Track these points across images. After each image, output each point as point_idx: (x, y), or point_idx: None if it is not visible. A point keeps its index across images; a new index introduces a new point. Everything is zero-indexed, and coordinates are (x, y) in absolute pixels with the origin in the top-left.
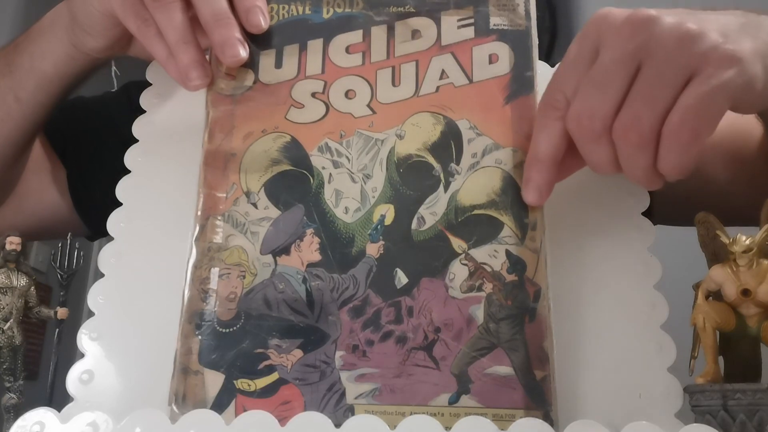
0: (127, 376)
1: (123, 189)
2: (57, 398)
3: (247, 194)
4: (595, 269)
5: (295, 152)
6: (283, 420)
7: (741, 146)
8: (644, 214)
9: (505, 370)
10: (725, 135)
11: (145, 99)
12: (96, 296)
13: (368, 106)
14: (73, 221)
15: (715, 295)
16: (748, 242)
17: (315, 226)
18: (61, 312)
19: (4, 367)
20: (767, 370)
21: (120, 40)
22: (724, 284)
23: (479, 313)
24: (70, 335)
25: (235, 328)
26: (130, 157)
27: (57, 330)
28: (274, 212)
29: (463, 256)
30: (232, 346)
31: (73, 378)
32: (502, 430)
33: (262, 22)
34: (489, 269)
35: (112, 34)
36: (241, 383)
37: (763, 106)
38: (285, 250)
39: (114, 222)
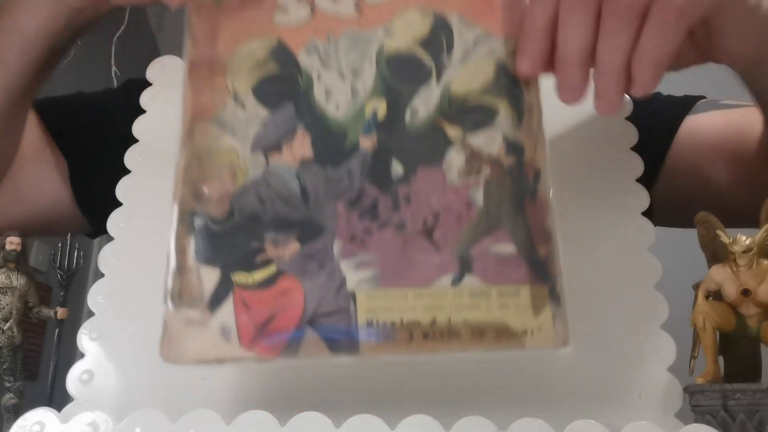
0: (127, 376)
1: (123, 189)
2: (57, 398)
3: (235, 96)
4: (595, 269)
5: (282, 54)
6: (284, 310)
7: (741, 146)
8: (644, 215)
9: (507, 248)
10: (725, 135)
11: (145, 99)
12: (96, 296)
13: (355, 6)
14: (75, 215)
15: (715, 295)
16: (748, 242)
17: (306, 123)
18: (61, 312)
19: (4, 367)
20: (767, 370)
21: None
22: (724, 284)
23: (479, 196)
24: (70, 335)
25: (229, 225)
26: (130, 157)
27: (57, 330)
28: (264, 112)
29: (459, 143)
30: (227, 241)
31: (73, 378)
32: (507, 306)
33: None
34: (486, 154)
35: None
36: (239, 276)
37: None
38: (276, 148)
39: (114, 222)
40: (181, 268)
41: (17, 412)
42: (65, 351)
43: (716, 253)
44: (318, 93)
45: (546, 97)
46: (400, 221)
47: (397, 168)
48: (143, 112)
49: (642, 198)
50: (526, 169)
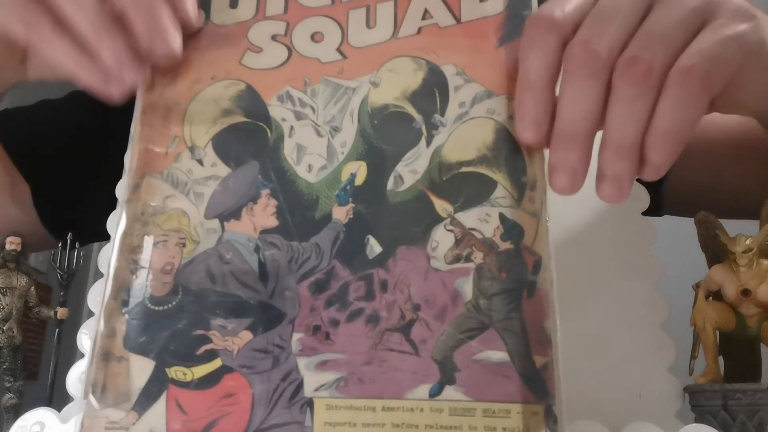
0: None
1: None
2: (57, 398)
3: (192, 149)
4: (595, 269)
5: (251, 102)
6: (227, 417)
7: (754, 140)
8: (652, 207)
9: (498, 355)
10: (739, 127)
11: None
12: (96, 296)
13: (338, 50)
14: (44, 236)
15: (715, 295)
16: (748, 242)
17: (272, 186)
18: (61, 312)
19: (4, 367)
20: (767, 370)
21: (12, 64)
22: (724, 284)
23: (467, 287)
24: (70, 335)
25: (170, 305)
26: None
27: (57, 330)
28: (224, 170)
29: (448, 220)
30: (166, 326)
31: (73, 378)
32: (494, 429)
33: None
34: (479, 236)
35: (2, 59)
36: (175, 371)
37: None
38: (235, 214)
39: (114, 222)
40: (107, 355)
41: (17, 412)
42: (65, 351)
43: (716, 253)
44: (289, 150)
45: None
46: (374, 312)
47: (374, 246)
48: (117, 110)
49: (642, 198)
50: (524, 256)
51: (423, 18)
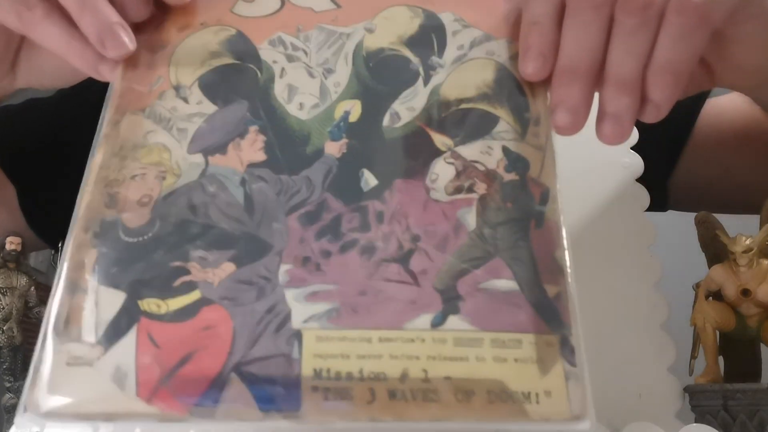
0: None
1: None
2: None
3: (177, 88)
4: (595, 269)
5: (241, 45)
6: (204, 350)
7: (761, 135)
8: (657, 202)
9: (505, 283)
10: (748, 119)
11: None
12: None
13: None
14: (32, 239)
15: (715, 295)
16: (748, 242)
17: (260, 123)
18: None
19: (4, 367)
20: (767, 370)
21: (3, 71)
22: (724, 284)
23: (470, 217)
24: None
25: (145, 236)
26: None
27: None
28: (210, 108)
29: (448, 153)
30: (140, 258)
31: None
32: (504, 360)
33: None
34: (482, 168)
35: None
36: (148, 303)
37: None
38: (220, 149)
39: None
40: (73, 287)
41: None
42: None
43: (716, 253)
44: (279, 90)
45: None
46: (369, 243)
47: (369, 179)
48: (98, 107)
49: (642, 198)
50: (530, 187)
51: None
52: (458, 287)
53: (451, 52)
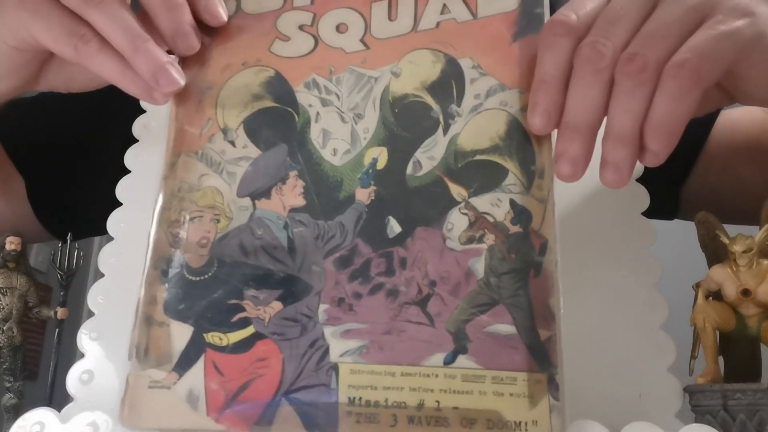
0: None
1: (123, 189)
2: (57, 398)
3: (224, 131)
4: (595, 269)
5: (279, 88)
6: (259, 379)
7: None
8: (668, 209)
9: (506, 328)
10: (758, 134)
11: None
12: (96, 296)
13: (361, 41)
14: (39, 230)
15: (715, 295)
16: (748, 242)
17: (299, 168)
18: (61, 312)
19: (4, 367)
20: (767, 370)
21: (30, 77)
22: (724, 284)
23: (479, 266)
24: (70, 335)
25: (206, 276)
26: (130, 157)
27: (57, 330)
28: (254, 151)
29: (462, 204)
30: (203, 295)
31: (73, 378)
32: (502, 394)
33: (221, 12)
34: (491, 219)
35: (24, 73)
36: (212, 337)
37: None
38: (265, 193)
39: (114, 222)
40: (149, 320)
41: (17, 412)
42: (65, 351)
43: (716, 253)
44: (315, 134)
45: None
46: (393, 287)
47: (394, 226)
48: (113, 108)
49: (642, 198)
50: (532, 239)
51: (441, 13)
52: (467, 330)
53: (468, 101)
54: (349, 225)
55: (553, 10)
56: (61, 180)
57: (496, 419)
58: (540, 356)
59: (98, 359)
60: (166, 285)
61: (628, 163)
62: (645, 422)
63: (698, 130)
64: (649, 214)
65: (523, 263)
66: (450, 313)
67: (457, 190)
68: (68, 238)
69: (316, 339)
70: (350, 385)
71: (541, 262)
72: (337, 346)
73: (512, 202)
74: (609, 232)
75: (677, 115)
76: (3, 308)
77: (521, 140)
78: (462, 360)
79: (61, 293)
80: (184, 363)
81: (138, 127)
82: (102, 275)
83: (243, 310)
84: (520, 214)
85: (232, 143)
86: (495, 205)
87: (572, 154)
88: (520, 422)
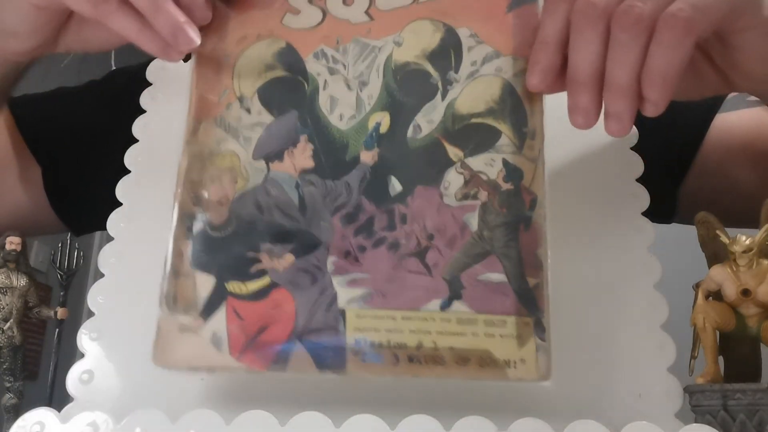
0: (127, 376)
1: (123, 189)
2: (57, 398)
3: (240, 99)
4: (595, 269)
5: (290, 58)
6: (275, 324)
7: None
8: (666, 211)
9: (497, 276)
10: (756, 135)
11: (145, 99)
12: (96, 296)
13: (366, 12)
14: (53, 220)
15: (715, 295)
16: (748, 242)
17: (308, 132)
18: (61, 312)
19: (4, 367)
20: (767, 370)
21: (49, 38)
22: (724, 284)
23: (473, 220)
24: (70, 335)
25: (226, 231)
26: (130, 157)
27: (57, 330)
28: (268, 118)
29: (459, 164)
30: (224, 249)
31: (73, 378)
32: (492, 335)
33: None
34: (485, 177)
35: (44, 33)
36: (233, 286)
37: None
38: (278, 156)
39: (114, 222)
40: (177, 272)
41: (17, 412)
42: (65, 351)
43: (716, 253)
44: (323, 101)
45: (549, 95)
46: (395, 240)
47: (395, 185)
48: (125, 105)
49: (642, 198)
50: (523, 195)
51: None
52: (461, 278)
53: (465, 68)
54: (354, 184)
55: None
56: (76, 170)
57: (488, 358)
58: (528, 301)
59: (98, 359)
60: (191, 240)
61: (628, 113)
62: (645, 422)
63: (694, 131)
64: (647, 216)
65: (514, 217)
66: (446, 263)
67: (453, 152)
68: (68, 237)
69: (325, 288)
70: (356, 328)
71: (530, 216)
72: (344, 294)
73: (505, 162)
74: (609, 232)
75: (672, 64)
76: (3, 308)
77: (514, 104)
78: (457, 305)
79: (61, 293)
80: (209, 309)
81: (138, 127)
82: (102, 275)
83: (260, 261)
84: (512, 172)
85: (248, 110)
86: (489, 164)
87: (582, 105)
88: (509, 360)
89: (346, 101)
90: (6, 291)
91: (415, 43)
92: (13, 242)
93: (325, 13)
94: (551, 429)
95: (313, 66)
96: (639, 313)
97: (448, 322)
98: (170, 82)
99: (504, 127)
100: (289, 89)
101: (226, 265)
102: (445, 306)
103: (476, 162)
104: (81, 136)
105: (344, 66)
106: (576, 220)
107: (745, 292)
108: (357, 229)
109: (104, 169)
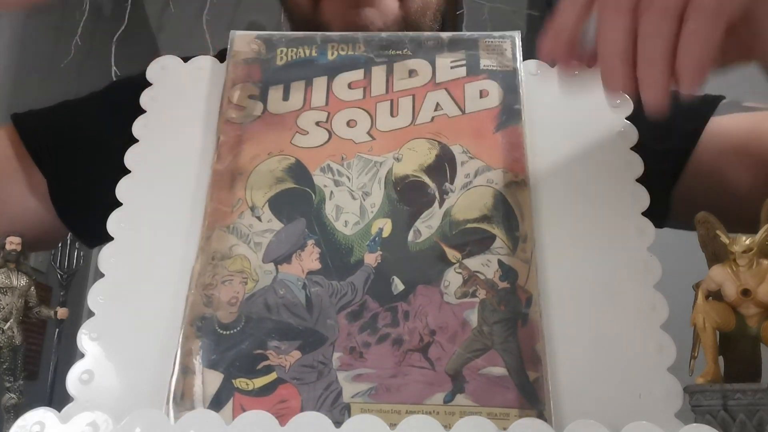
0: (127, 376)
1: (123, 189)
2: (57, 398)
3: (252, 208)
4: (595, 269)
5: (299, 172)
6: (281, 418)
7: (763, 150)
8: (660, 212)
9: (498, 370)
10: (748, 138)
11: (145, 99)
12: (96, 296)
13: (368, 133)
14: (61, 229)
15: (715, 295)
16: (748, 242)
17: (316, 238)
18: (61, 312)
19: (4, 367)
20: (767, 370)
21: None
22: (724, 284)
23: (473, 317)
24: (70, 335)
25: (235, 330)
26: (130, 157)
27: (57, 330)
28: (277, 225)
29: (457, 265)
30: (232, 347)
31: (73, 378)
32: (499, 429)
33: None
34: (482, 277)
35: None
36: (240, 382)
37: None
38: (286, 259)
39: (114, 222)
40: (185, 370)
41: (17, 412)
42: (65, 351)
43: (716, 253)
44: (329, 210)
45: (550, 94)
46: (398, 336)
47: (398, 285)
48: (127, 113)
49: (642, 198)
50: (518, 294)
51: (435, 110)
52: (464, 372)
53: (460, 180)
54: (358, 284)
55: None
56: (82, 180)
57: None
58: (529, 395)
59: (98, 359)
60: (201, 339)
61: (663, 84)
62: (645, 422)
63: (689, 134)
64: None
65: (511, 314)
66: (448, 358)
67: (452, 253)
68: (68, 238)
69: (331, 383)
70: None
71: (527, 313)
72: (349, 389)
73: (500, 262)
74: (609, 232)
75: (705, 44)
76: (3, 308)
77: (506, 211)
78: (460, 398)
79: (61, 293)
80: (216, 405)
81: (138, 127)
82: (102, 275)
83: (267, 358)
84: (508, 272)
85: (259, 218)
86: (485, 265)
87: (611, 75)
88: None
89: (351, 209)
90: (6, 291)
91: (414, 158)
92: (13, 242)
93: (330, 134)
94: (551, 429)
95: (320, 179)
96: (639, 313)
97: (452, 415)
98: (170, 82)
99: (498, 232)
100: (298, 199)
101: (234, 362)
102: (449, 400)
103: (473, 263)
104: (85, 146)
105: (348, 178)
106: (576, 220)
107: (745, 292)
108: (362, 326)
109: (109, 177)
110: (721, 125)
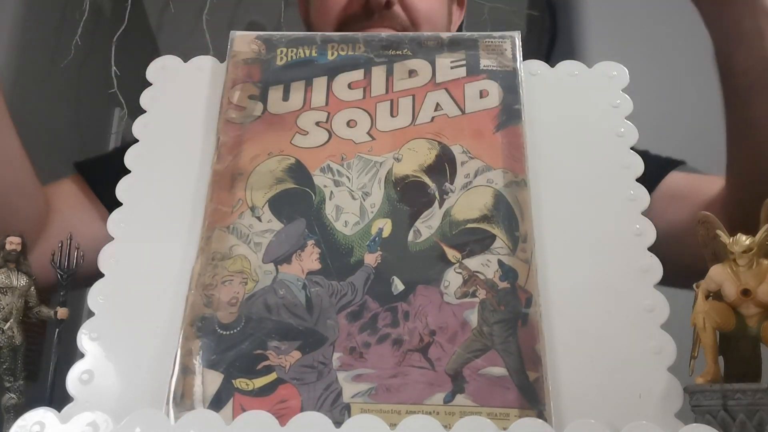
0: (127, 376)
1: (123, 189)
2: (57, 398)
3: (252, 209)
4: (595, 269)
5: (299, 172)
6: (281, 418)
7: (701, 199)
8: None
9: (498, 370)
10: (694, 188)
11: (145, 99)
12: (96, 296)
13: (368, 133)
14: None
15: (715, 295)
16: (748, 242)
17: (316, 238)
18: (61, 312)
19: (4, 367)
20: (767, 370)
21: None
22: (724, 284)
23: (473, 317)
24: (70, 335)
25: (235, 330)
26: (130, 157)
27: (57, 330)
28: (277, 225)
29: (457, 265)
30: (232, 347)
31: (73, 378)
32: (499, 429)
33: None
34: (482, 277)
35: None
36: (239, 382)
37: None
38: (286, 259)
39: (114, 222)
40: (185, 370)
41: (17, 412)
42: (65, 351)
43: (716, 253)
44: (329, 210)
45: (550, 94)
46: (398, 336)
47: (398, 285)
48: None
49: (642, 198)
50: (519, 294)
51: (435, 110)
52: (464, 372)
53: (459, 180)
54: (358, 284)
55: (553, 18)
56: None
57: None
58: (529, 395)
59: (98, 359)
60: (200, 339)
61: None
62: (645, 422)
63: (652, 179)
64: None
65: (511, 314)
66: (448, 358)
67: (452, 253)
68: (68, 237)
69: (331, 383)
70: None
71: (527, 313)
72: (349, 389)
73: (500, 263)
74: (609, 233)
75: None
76: (3, 308)
77: (506, 211)
78: (460, 398)
79: (61, 293)
80: (216, 405)
81: (138, 127)
82: (102, 275)
83: (267, 359)
84: (508, 272)
85: (259, 218)
86: (485, 265)
87: None
88: None
89: (351, 209)
90: (6, 291)
91: (413, 158)
92: (13, 242)
93: (330, 134)
94: (551, 429)
95: (320, 179)
96: (639, 313)
97: (452, 415)
98: (170, 82)
99: (498, 232)
100: (298, 199)
101: (234, 362)
102: (449, 400)
103: (473, 263)
104: None
105: (348, 179)
106: (576, 220)
107: (745, 292)
108: (362, 326)
109: None
110: (678, 177)
